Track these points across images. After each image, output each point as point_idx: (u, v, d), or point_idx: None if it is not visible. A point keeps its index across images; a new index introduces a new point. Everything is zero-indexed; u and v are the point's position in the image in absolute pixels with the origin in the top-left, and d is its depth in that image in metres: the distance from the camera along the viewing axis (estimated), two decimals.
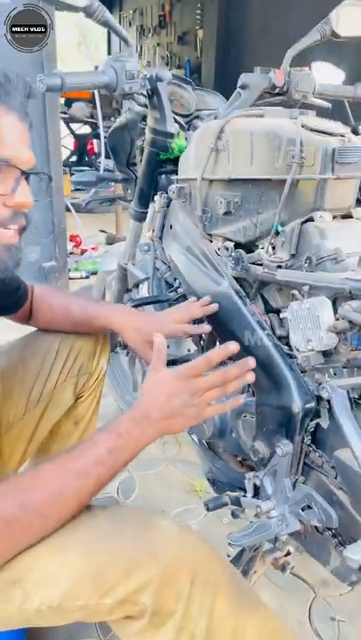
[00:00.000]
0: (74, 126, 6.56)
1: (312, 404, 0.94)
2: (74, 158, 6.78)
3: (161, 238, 1.30)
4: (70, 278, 3.12)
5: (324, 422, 0.94)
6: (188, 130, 1.34)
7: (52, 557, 0.75)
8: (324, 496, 0.94)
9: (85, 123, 6.38)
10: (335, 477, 0.92)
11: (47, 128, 2.86)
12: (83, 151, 6.73)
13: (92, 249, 3.57)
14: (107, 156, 4.12)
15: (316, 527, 0.98)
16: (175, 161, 1.29)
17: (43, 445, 1.23)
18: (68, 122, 6.33)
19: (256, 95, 1.28)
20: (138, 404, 0.84)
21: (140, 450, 0.81)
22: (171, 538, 0.79)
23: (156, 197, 1.29)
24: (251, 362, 0.85)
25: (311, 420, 0.95)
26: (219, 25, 6.34)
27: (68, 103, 6.12)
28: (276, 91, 1.30)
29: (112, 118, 6.02)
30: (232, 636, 0.78)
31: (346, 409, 0.86)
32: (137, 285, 1.41)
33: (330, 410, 0.91)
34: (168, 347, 1.36)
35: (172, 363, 1.35)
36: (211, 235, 1.15)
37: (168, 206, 1.27)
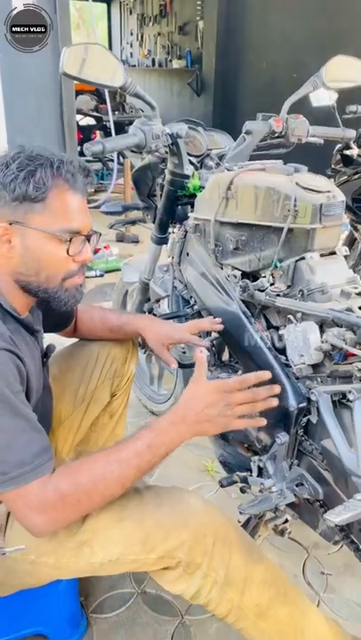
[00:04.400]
0: (77, 118, 6.70)
1: (304, 404, 1.19)
2: (78, 149, 6.94)
3: (179, 263, 1.55)
4: (86, 277, 3.35)
5: (314, 418, 1.19)
6: (201, 168, 1.58)
7: (111, 525, 1.01)
8: (313, 475, 1.20)
9: (89, 115, 6.53)
10: (322, 461, 1.18)
11: (64, 138, 3.06)
12: (87, 142, 6.89)
13: (105, 247, 3.79)
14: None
15: (307, 499, 1.24)
16: (189, 195, 1.53)
17: (84, 436, 1.49)
18: None
19: (258, 139, 1.52)
20: (177, 409, 0.99)
21: (175, 447, 0.97)
22: (198, 510, 1.05)
23: (175, 230, 1.54)
24: (276, 389, 1.05)
25: (303, 417, 1.21)
26: (219, 16, 6.40)
27: None
28: (276, 135, 1.54)
29: (116, 112, 6.19)
30: (243, 581, 1.05)
31: (329, 409, 1.12)
32: (158, 300, 1.67)
33: (317, 409, 1.16)
34: (184, 352, 1.63)
35: (188, 366, 1.62)
36: (221, 264, 1.40)
37: (185, 237, 1.52)
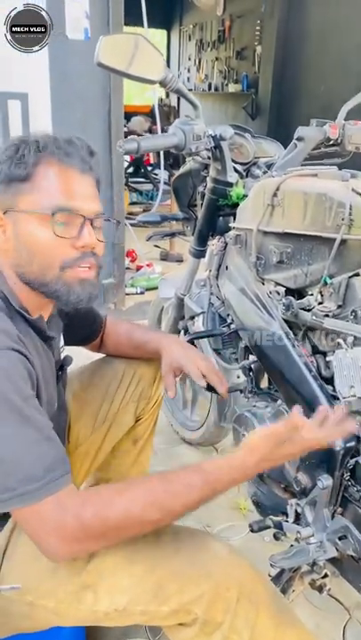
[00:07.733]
0: None
1: (353, 444, 1.03)
2: (130, 170, 7.00)
3: (217, 277, 1.41)
4: (126, 294, 3.28)
5: None
6: (247, 176, 1.45)
7: (120, 568, 0.87)
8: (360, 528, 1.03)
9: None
10: None
11: (111, 152, 3.02)
12: (139, 163, 6.94)
13: (147, 265, 3.72)
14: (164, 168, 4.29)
15: (352, 556, 1.06)
16: (232, 205, 1.41)
17: (104, 462, 1.36)
18: (126, 135, 6.55)
19: (311, 147, 1.37)
20: (240, 455, 0.89)
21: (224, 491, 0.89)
22: (221, 558, 0.90)
23: (214, 241, 1.41)
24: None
25: (351, 458, 1.04)
26: (277, 41, 6.38)
27: (127, 117, 6.34)
28: (330, 143, 1.40)
29: None
30: None
31: None
32: (192, 318, 1.54)
33: None
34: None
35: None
36: (263, 278, 1.26)
37: (225, 249, 1.39)
